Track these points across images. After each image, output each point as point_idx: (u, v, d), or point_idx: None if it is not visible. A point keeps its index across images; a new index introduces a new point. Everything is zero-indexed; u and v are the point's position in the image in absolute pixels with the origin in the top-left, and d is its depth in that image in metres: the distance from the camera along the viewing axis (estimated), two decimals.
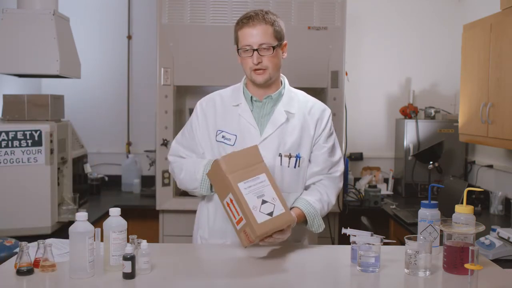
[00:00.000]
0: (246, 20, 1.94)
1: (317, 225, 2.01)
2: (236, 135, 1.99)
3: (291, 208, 2.01)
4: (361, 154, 4.24)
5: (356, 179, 4.15)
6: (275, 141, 1.99)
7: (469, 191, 1.83)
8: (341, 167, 2.12)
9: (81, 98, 4.18)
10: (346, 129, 3.63)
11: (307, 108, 2.07)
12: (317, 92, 3.85)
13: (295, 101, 2.06)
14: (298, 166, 2.01)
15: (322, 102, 3.76)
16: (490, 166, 3.64)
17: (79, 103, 4.15)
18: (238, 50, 1.98)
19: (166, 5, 3.45)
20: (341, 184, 2.13)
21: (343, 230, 1.87)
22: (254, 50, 1.92)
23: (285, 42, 2.02)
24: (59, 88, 4.00)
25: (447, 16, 4.20)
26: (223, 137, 2.01)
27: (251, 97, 2.03)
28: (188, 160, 2.07)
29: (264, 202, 1.72)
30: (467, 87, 3.29)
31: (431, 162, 3.74)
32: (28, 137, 2.71)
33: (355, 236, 1.79)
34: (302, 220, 1.98)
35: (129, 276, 1.59)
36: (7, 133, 2.68)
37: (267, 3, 3.47)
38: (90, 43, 4.16)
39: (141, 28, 4.20)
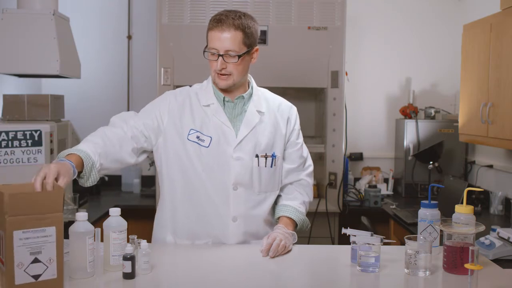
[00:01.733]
0: (216, 22, 1.86)
1: (306, 226, 2.10)
2: (211, 137, 1.94)
3: (278, 218, 2.04)
4: (361, 154, 4.24)
5: (356, 179, 4.15)
6: (251, 142, 1.96)
7: (469, 191, 1.83)
8: (311, 161, 2.15)
9: (81, 98, 4.18)
10: (346, 129, 3.63)
11: (275, 106, 2.06)
12: (317, 92, 3.86)
13: (263, 100, 2.04)
14: (274, 165, 2.01)
15: (322, 102, 3.80)
16: (490, 166, 3.64)
17: (79, 103, 4.15)
18: (205, 49, 1.90)
19: (166, 5, 3.45)
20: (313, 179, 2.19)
21: (343, 230, 1.87)
22: (219, 55, 1.86)
23: (256, 48, 1.94)
24: (59, 88, 4.00)
25: (447, 16, 4.20)
26: (197, 137, 1.94)
27: (224, 97, 1.98)
28: (91, 137, 1.88)
29: (36, 261, 1.47)
30: (467, 87, 3.29)
31: (431, 162, 3.74)
32: (28, 137, 2.71)
33: (355, 236, 1.79)
34: (294, 226, 2.04)
35: (129, 276, 1.59)
36: (7, 133, 2.68)
37: (267, 3, 3.47)
38: (90, 43, 4.17)
39: (141, 28, 4.20)
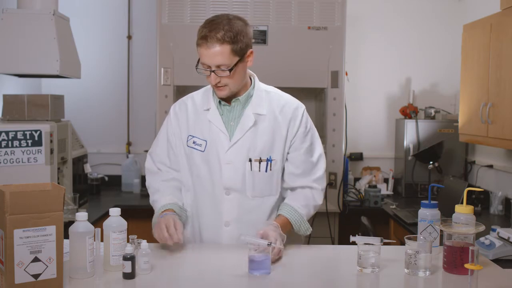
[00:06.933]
0: (202, 39, 1.83)
1: (304, 229, 1.98)
2: (206, 141, 1.95)
3: (277, 216, 1.97)
4: (361, 154, 4.24)
5: (356, 179, 4.15)
6: (245, 145, 1.93)
7: (469, 191, 1.83)
8: (321, 165, 2.03)
9: (81, 98, 4.18)
10: (346, 129, 3.63)
11: (278, 107, 1.97)
12: (317, 92, 3.86)
13: (265, 101, 1.97)
14: (270, 169, 1.95)
15: (322, 102, 3.79)
16: (490, 166, 3.64)
17: (79, 103, 4.15)
18: (197, 64, 1.89)
19: (166, 5, 3.45)
20: (325, 182, 2.06)
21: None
22: (211, 71, 1.84)
23: (250, 51, 1.89)
24: (59, 88, 4.00)
25: (447, 16, 4.20)
26: (194, 142, 1.97)
27: (219, 101, 1.97)
28: (156, 188, 2.05)
29: (36, 260, 1.48)
30: (467, 87, 3.29)
31: (431, 162, 3.74)
32: (28, 137, 2.71)
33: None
34: (290, 226, 1.95)
35: (129, 276, 1.59)
36: (7, 133, 2.68)
37: (267, 3, 3.47)
38: (90, 43, 4.16)
39: (141, 28, 4.20)
